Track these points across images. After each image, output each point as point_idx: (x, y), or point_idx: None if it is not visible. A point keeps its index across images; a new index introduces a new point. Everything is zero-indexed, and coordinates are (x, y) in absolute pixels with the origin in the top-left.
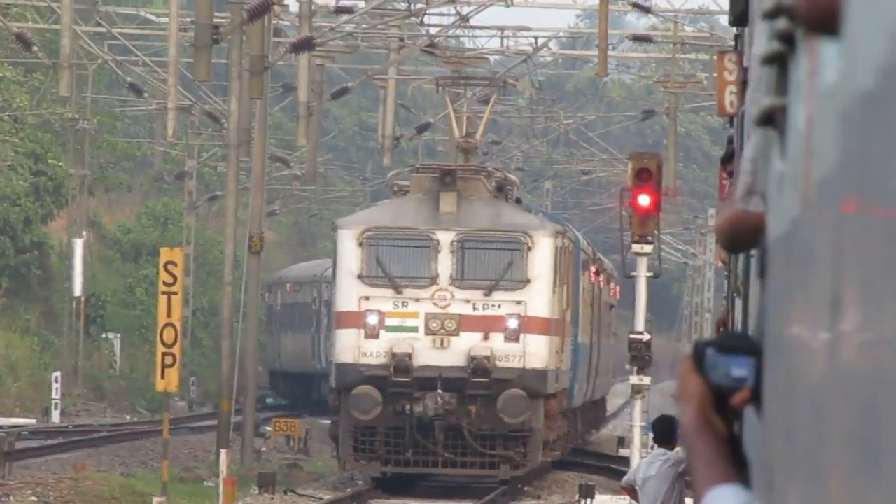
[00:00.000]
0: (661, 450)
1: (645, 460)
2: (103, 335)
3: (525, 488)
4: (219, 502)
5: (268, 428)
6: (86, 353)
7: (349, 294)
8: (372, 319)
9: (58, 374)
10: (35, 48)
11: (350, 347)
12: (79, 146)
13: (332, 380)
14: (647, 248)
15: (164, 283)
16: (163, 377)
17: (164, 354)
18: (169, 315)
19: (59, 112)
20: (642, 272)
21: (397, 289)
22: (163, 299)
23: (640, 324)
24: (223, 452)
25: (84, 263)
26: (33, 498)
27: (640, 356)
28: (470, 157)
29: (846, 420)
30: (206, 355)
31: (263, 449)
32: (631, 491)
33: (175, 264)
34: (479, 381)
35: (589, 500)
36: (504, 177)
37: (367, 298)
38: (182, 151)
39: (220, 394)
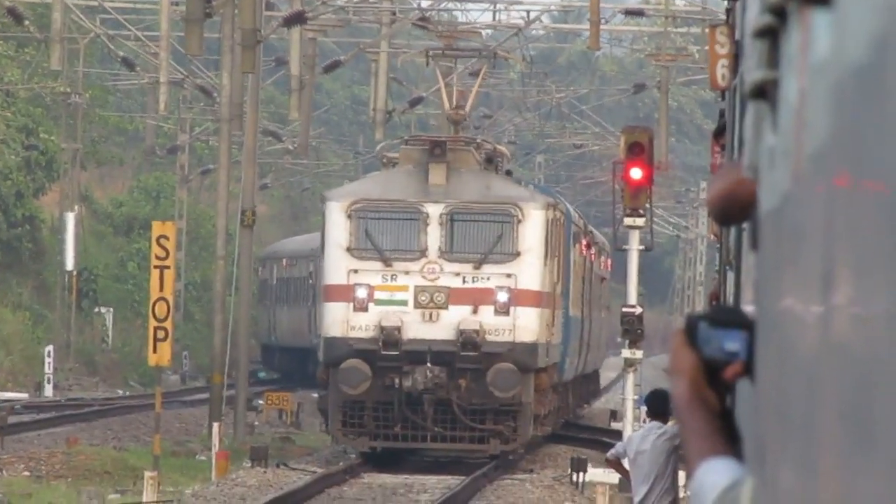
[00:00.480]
0: (656, 423)
1: (637, 434)
2: (95, 309)
3: (513, 456)
4: (211, 476)
5: (260, 402)
6: (78, 328)
7: (338, 267)
8: (361, 293)
9: (50, 348)
10: (26, 22)
11: (338, 321)
12: (71, 120)
13: (320, 354)
14: (639, 222)
15: (157, 257)
16: (155, 351)
17: (156, 329)
18: (161, 289)
19: (50, 86)
20: (634, 245)
21: (386, 262)
22: (155, 273)
23: (632, 297)
24: (215, 426)
25: (76, 237)
26: (26, 472)
27: (633, 330)
28: (459, 128)
29: (838, 394)
30: (199, 329)
31: (256, 423)
32: (616, 464)
33: (167, 238)
34: (468, 354)
35: (581, 474)
36: (494, 148)
37: (355, 271)
38: (174, 125)
39: (213, 368)
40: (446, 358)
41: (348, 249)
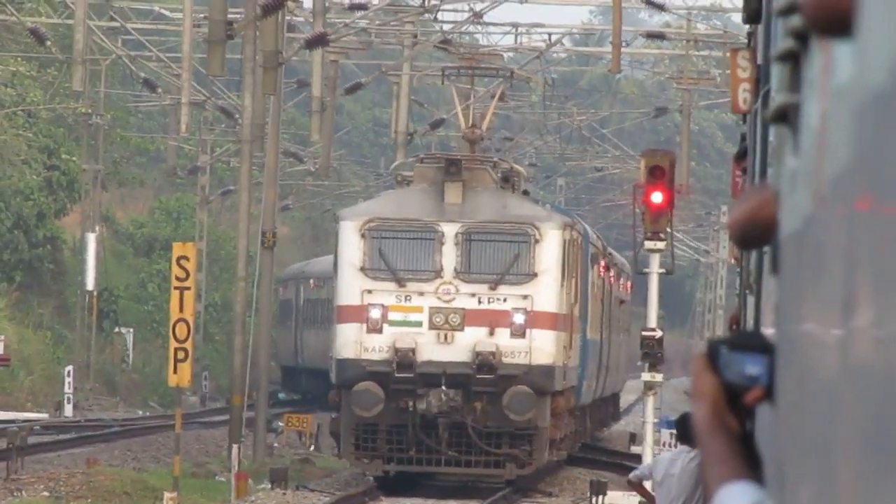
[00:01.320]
0: (685, 447)
1: (665, 456)
2: (116, 330)
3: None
4: (231, 497)
5: (280, 423)
6: (98, 348)
7: (351, 287)
8: (374, 313)
9: (70, 368)
10: (49, 43)
11: (351, 342)
12: (92, 141)
13: (332, 376)
14: (660, 245)
15: (177, 278)
16: (175, 372)
17: (176, 349)
18: (181, 310)
19: (72, 107)
20: (655, 269)
21: (400, 282)
22: (175, 294)
23: (652, 320)
24: (235, 447)
25: (97, 258)
26: (45, 493)
27: (653, 353)
28: (475, 147)
29: (858, 417)
30: (219, 350)
31: (275, 444)
32: (639, 486)
33: (188, 259)
34: (484, 377)
35: (601, 497)
36: (510, 167)
37: (369, 292)
38: (195, 146)
39: (233, 389)
40: (461, 380)
41: (362, 269)
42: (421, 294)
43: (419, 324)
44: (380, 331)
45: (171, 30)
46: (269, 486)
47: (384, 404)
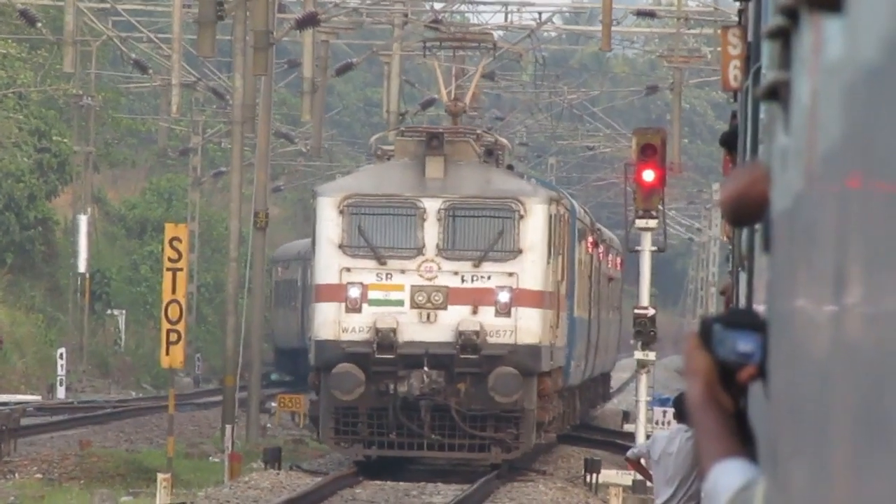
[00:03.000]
0: (682, 426)
1: (663, 434)
2: (108, 311)
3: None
4: (224, 478)
5: (273, 404)
6: (91, 330)
7: (329, 265)
8: (354, 292)
9: (63, 350)
10: (39, 24)
11: (330, 322)
12: (83, 122)
13: (311, 357)
14: (652, 223)
15: (169, 260)
16: (168, 353)
17: (168, 331)
18: (174, 291)
19: (63, 88)
20: (647, 247)
21: (381, 260)
22: (167, 275)
23: (644, 299)
24: (228, 428)
25: (89, 240)
26: (38, 475)
27: (645, 331)
28: (458, 121)
29: (850, 394)
30: (211, 332)
31: (268, 425)
32: (636, 464)
33: (180, 240)
34: (467, 357)
35: (595, 475)
36: (494, 140)
37: (348, 270)
38: (187, 128)
39: (226, 370)
40: (444, 361)
41: (340, 247)
42: (402, 272)
43: (400, 303)
44: (359, 310)
45: (162, 10)
46: (263, 466)
47: (364, 387)
